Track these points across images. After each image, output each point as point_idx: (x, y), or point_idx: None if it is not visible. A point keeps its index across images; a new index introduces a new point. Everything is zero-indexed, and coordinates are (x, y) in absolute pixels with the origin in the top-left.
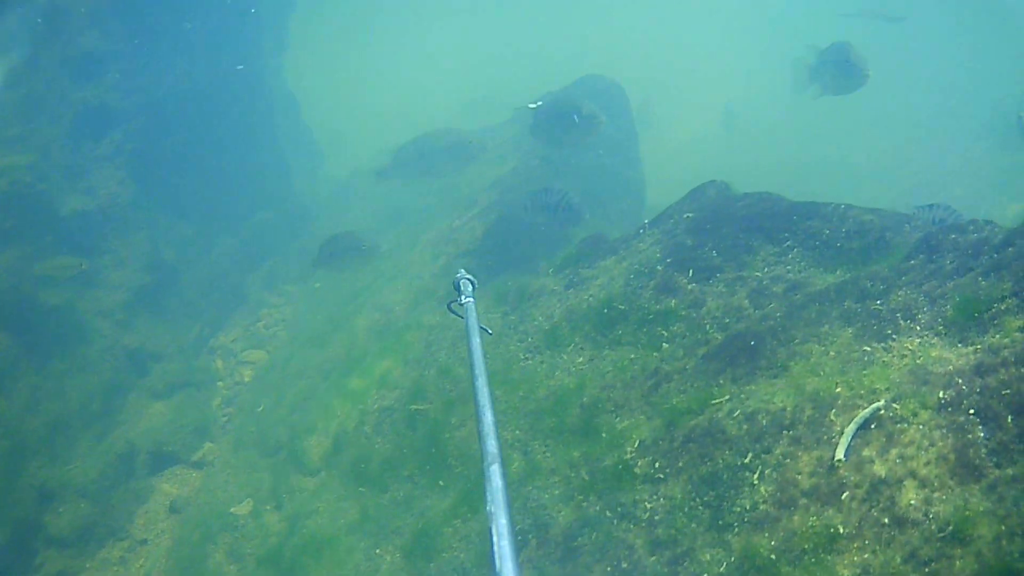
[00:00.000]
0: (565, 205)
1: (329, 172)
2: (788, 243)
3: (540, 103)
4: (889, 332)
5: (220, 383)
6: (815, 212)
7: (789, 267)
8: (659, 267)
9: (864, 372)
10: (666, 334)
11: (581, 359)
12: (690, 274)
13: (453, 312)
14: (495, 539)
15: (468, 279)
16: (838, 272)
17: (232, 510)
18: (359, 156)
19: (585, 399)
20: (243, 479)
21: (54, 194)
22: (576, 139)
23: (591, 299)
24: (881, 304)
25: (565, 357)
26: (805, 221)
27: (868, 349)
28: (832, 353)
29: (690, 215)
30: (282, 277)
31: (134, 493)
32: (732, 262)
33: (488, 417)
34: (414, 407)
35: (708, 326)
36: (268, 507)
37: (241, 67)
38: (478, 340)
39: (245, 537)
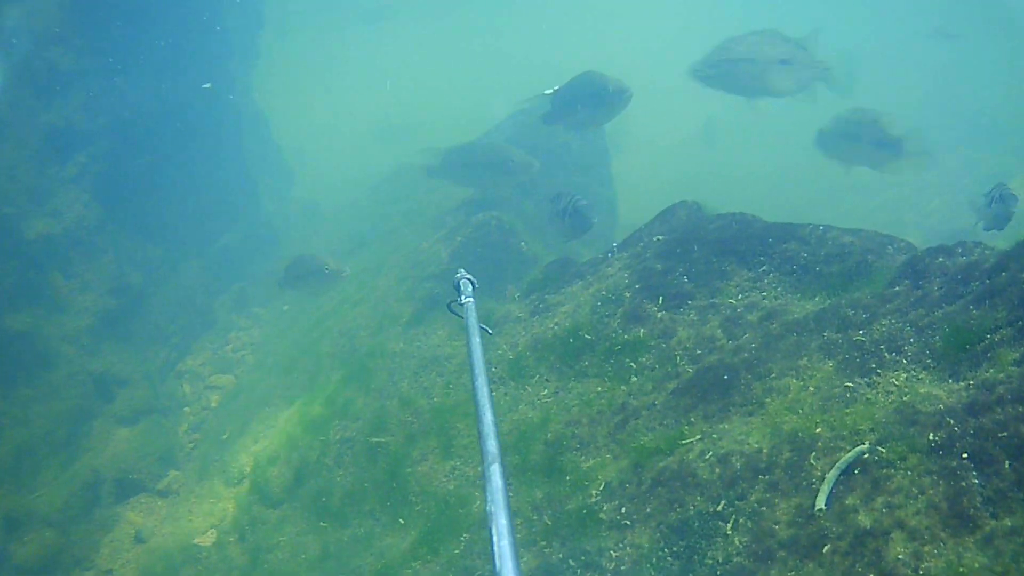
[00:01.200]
0: (572, 211)
1: (299, 192)
2: (763, 267)
3: (556, 88)
4: (873, 366)
5: (187, 408)
6: (792, 234)
7: (765, 293)
8: (627, 294)
9: (846, 410)
10: (634, 366)
11: (546, 392)
12: (660, 301)
13: (453, 312)
14: (495, 539)
15: (468, 279)
16: (817, 299)
17: (196, 541)
18: (330, 175)
19: (549, 435)
20: (207, 508)
21: (20, 218)
22: (602, 117)
23: (557, 327)
24: (864, 335)
25: (529, 389)
26: (781, 244)
27: (851, 385)
28: (811, 389)
29: (660, 237)
30: (251, 299)
31: (100, 522)
32: (704, 288)
33: (488, 417)
34: (375, 440)
35: (679, 358)
36: (231, 539)
37: (208, 85)
38: (478, 340)
39: (208, 570)
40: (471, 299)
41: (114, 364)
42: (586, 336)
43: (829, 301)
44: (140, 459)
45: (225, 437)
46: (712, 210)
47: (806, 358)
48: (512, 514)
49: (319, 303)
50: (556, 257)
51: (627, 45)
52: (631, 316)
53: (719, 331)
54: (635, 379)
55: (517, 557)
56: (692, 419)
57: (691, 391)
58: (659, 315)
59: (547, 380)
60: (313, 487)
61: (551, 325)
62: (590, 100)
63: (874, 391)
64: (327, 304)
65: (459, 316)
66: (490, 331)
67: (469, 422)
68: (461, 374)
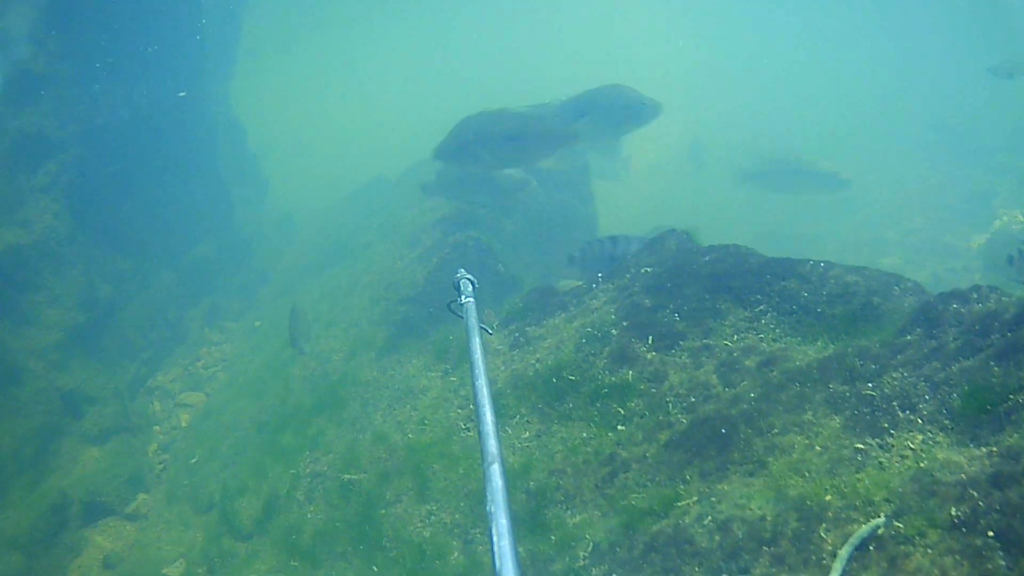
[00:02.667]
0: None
1: (273, 201)
2: (761, 307)
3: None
4: (885, 425)
5: (156, 427)
6: (791, 271)
7: (762, 335)
8: (614, 331)
9: (858, 476)
10: (623, 412)
11: (527, 434)
12: (649, 341)
13: (453, 312)
14: (495, 539)
15: (468, 279)
16: (819, 343)
17: (164, 571)
18: (305, 183)
19: (532, 484)
20: (176, 536)
21: None
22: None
23: (539, 364)
24: (873, 388)
25: (510, 431)
26: (780, 281)
27: (861, 446)
28: (818, 448)
29: (648, 269)
30: (223, 313)
31: (67, 546)
32: (697, 328)
33: (488, 417)
34: (347, 476)
35: (671, 405)
36: (200, 570)
37: (183, 93)
38: (478, 340)
39: None
40: (471, 299)
41: (83, 380)
42: (570, 376)
43: (832, 346)
44: (109, 481)
45: (194, 461)
46: (702, 239)
47: (811, 412)
48: (512, 514)
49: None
50: (536, 284)
51: (612, 65)
52: (618, 356)
53: (714, 377)
54: (623, 427)
55: (517, 557)
56: (688, 476)
57: (686, 445)
58: (649, 356)
59: (528, 422)
60: (283, 522)
61: (532, 361)
62: (620, 113)
63: (888, 454)
64: None
65: (459, 316)
66: (490, 331)
67: (446, 463)
68: (436, 409)
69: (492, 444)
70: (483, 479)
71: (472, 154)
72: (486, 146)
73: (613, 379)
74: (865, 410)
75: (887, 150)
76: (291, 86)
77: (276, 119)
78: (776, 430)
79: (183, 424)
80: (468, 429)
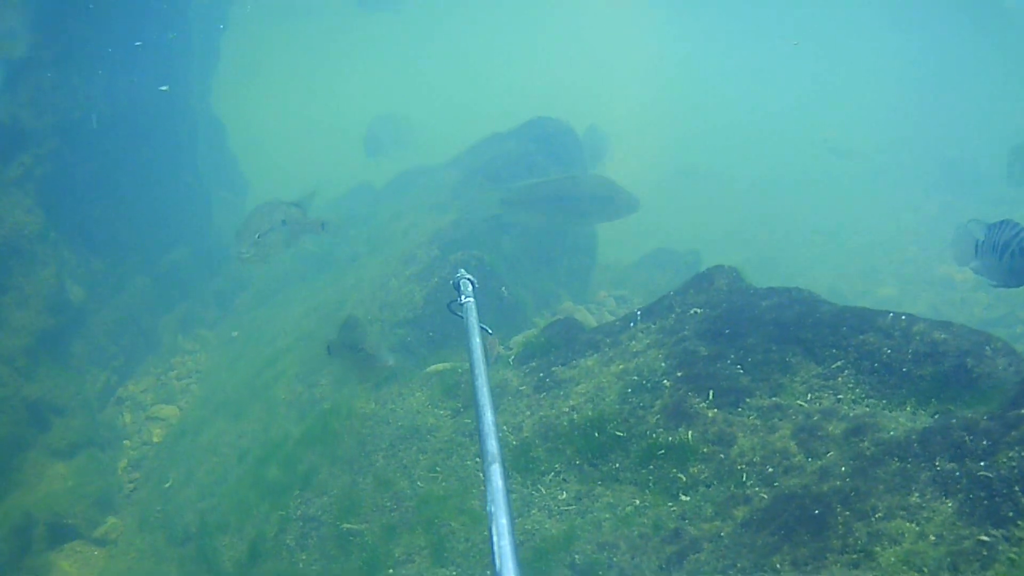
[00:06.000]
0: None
1: (253, 204)
2: (838, 363)
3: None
4: (1009, 513)
5: (127, 442)
6: (869, 323)
7: (841, 396)
8: (666, 381)
9: (986, 574)
10: (683, 479)
11: (565, 496)
12: (710, 396)
13: (453, 312)
14: (495, 539)
15: (468, 279)
16: (908, 408)
17: None
18: (289, 189)
19: (577, 558)
20: (149, 569)
21: None
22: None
23: (574, 414)
24: (988, 469)
25: (543, 490)
26: (858, 335)
27: (985, 538)
28: (931, 537)
29: (698, 311)
30: (197, 320)
31: (30, 570)
32: (763, 383)
33: (488, 417)
34: (347, 526)
35: (744, 475)
36: None
37: (165, 88)
38: (478, 340)
39: None
40: (471, 299)
41: (51, 389)
42: (617, 432)
43: (922, 411)
44: (76, 501)
45: (168, 486)
46: (750, 276)
47: (917, 494)
48: (513, 514)
49: (272, 338)
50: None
51: (606, 82)
52: (674, 412)
53: (793, 444)
54: (687, 498)
55: (517, 557)
56: (777, 564)
57: (771, 525)
58: (710, 414)
59: (565, 480)
60: (271, 568)
61: (565, 409)
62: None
63: (1018, 549)
64: (281, 341)
65: (459, 316)
66: (490, 331)
67: (465, 522)
68: (449, 455)
69: (492, 444)
70: (483, 479)
71: (541, 210)
72: (555, 204)
73: (670, 439)
74: (981, 494)
75: (879, 177)
76: (274, 84)
77: (258, 118)
78: (880, 514)
79: (155, 439)
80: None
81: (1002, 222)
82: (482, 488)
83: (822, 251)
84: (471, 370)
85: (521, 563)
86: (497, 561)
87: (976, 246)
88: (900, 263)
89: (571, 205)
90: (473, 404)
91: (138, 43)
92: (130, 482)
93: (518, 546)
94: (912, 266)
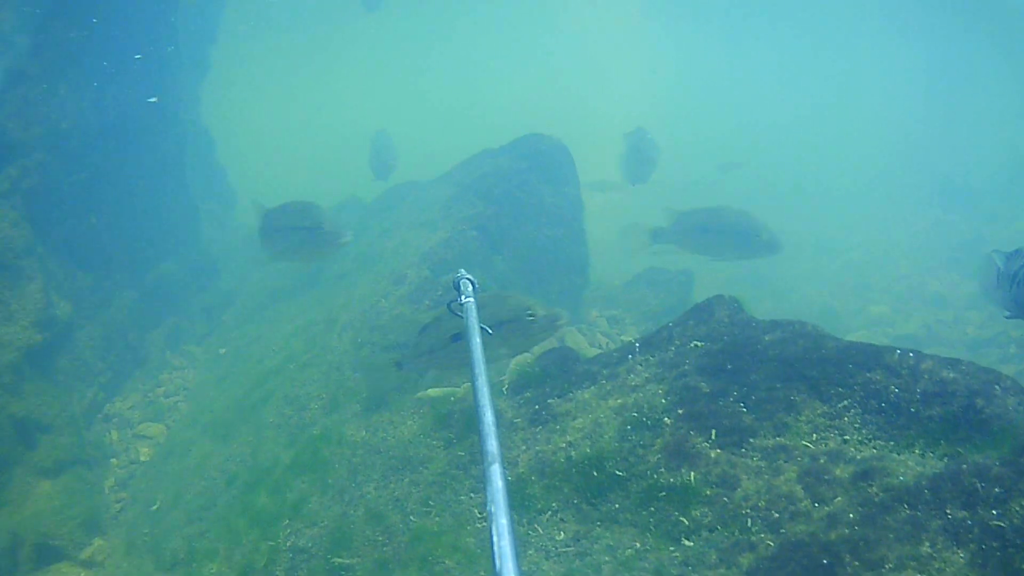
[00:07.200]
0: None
1: (242, 218)
2: (844, 402)
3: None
4: (1023, 566)
5: (114, 460)
6: (876, 361)
7: (848, 437)
8: (666, 419)
9: None
10: (686, 522)
11: (563, 536)
12: (712, 436)
13: (453, 312)
14: (495, 539)
15: (468, 279)
16: (916, 450)
17: None
18: (275, 197)
19: None
20: None
21: None
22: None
23: (572, 451)
24: (1000, 518)
25: (540, 529)
26: (864, 372)
27: None
28: None
29: (699, 344)
30: (185, 336)
31: None
32: (767, 422)
33: (488, 417)
34: (338, 560)
35: (749, 520)
36: None
37: (155, 99)
38: (478, 340)
39: None
40: (471, 299)
41: (37, 406)
42: (616, 471)
43: (931, 454)
44: (62, 522)
45: (155, 508)
46: (738, 292)
47: (928, 543)
48: (512, 514)
49: (260, 357)
50: (550, 346)
51: (601, 95)
52: (675, 451)
53: (799, 488)
54: (689, 542)
55: (517, 557)
56: None
57: (778, 575)
58: (713, 455)
59: (563, 520)
60: None
61: (562, 444)
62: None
63: None
64: (269, 361)
65: (459, 316)
66: (490, 331)
67: (460, 560)
68: (442, 489)
69: (492, 444)
70: (483, 479)
71: (692, 240)
72: (705, 235)
73: (672, 480)
74: (994, 545)
75: (871, 192)
76: (263, 97)
77: (245, 130)
78: (890, 566)
79: (142, 458)
80: (484, 519)
81: (1016, 251)
82: (478, 525)
83: (813, 266)
84: (471, 370)
85: (520, 563)
86: (497, 561)
87: (997, 276)
88: (892, 279)
89: (714, 238)
90: (473, 404)
91: (138, 56)
92: (117, 502)
93: (518, 547)
94: (904, 283)
